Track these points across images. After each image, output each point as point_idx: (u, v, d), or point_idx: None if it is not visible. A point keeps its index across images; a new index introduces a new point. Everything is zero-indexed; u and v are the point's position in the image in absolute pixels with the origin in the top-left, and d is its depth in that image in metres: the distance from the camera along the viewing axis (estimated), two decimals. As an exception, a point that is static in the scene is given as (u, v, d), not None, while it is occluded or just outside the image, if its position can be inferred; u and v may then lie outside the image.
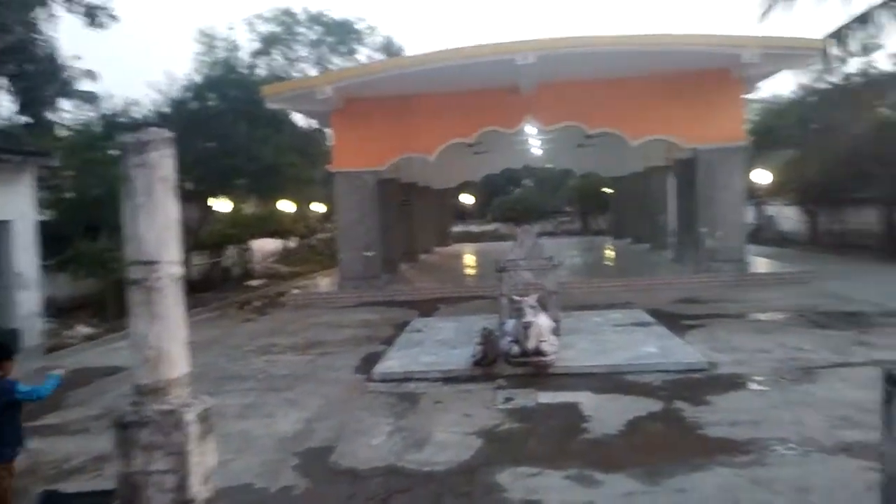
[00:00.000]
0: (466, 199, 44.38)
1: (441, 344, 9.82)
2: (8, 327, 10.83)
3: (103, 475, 5.60)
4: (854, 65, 21.54)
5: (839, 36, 18.14)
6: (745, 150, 16.09)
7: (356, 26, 29.09)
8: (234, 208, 23.08)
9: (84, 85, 24.24)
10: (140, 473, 3.94)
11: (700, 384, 7.36)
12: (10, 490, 4.63)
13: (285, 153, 19.29)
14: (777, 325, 10.55)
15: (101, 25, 13.56)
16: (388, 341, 10.57)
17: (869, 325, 10.01)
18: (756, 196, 26.52)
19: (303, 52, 29.18)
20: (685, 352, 8.63)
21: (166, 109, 18.29)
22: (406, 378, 8.25)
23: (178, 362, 3.95)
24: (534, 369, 8.10)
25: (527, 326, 8.03)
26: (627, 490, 4.85)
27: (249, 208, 25.11)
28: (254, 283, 22.41)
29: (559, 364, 8.22)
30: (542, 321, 8.34)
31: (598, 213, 42.59)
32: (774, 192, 26.26)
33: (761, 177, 23.09)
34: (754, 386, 7.31)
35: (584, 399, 7.05)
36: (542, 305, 8.89)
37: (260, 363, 9.99)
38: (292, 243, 31.87)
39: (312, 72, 28.22)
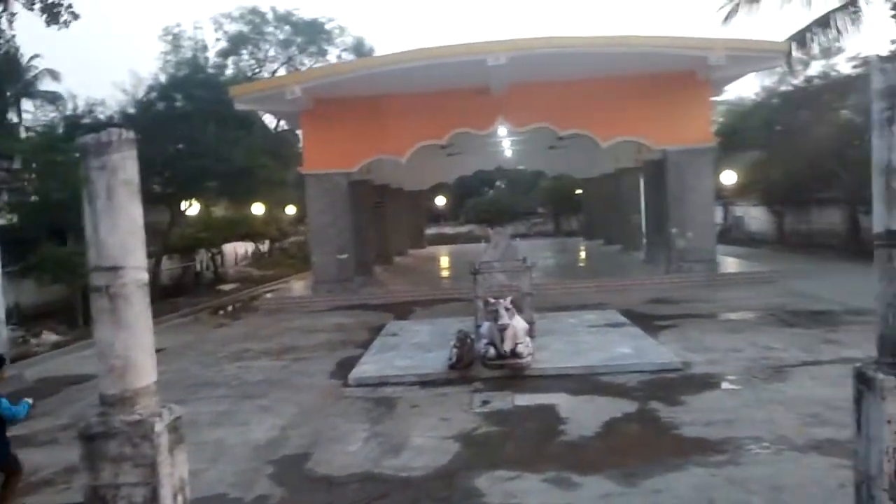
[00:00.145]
0: (440, 200, 44.38)
1: (417, 347, 9.76)
2: None
3: (72, 488, 5.43)
4: (815, 68, 22.09)
5: (801, 39, 18.57)
6: (713, 151, 16.34)
7: (326, 26, 28.92)
8: (205, 211, 22.74)
9: (47, 85, 23.73)
10: (108, 486, 3.81)
11: (674, 384, 7.42)
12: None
13: (257, 155, 19.05)
14: (748, 325, 10.71)
15: (61, 23, 13.16)
16: (364, 345, 10.47)
17: (836, 323, 10.22)
18: (724, 197, 26.99)
19: (272, 51, 28.95)
20: (659, 352, 8.71)
21: (132, 110, 17.91)
22: (382, 382, 8.18)
23: (145, 371, 3.82)
24: (510, 371, 8.09)
25: (502, 329, 8.02)
26: (605, 492, 4.85)
27: (221, 211, 24.74)
28: (226, 287, 22.10)
29: (535, 366, 8.22)
30: (518, 323, 8.34)
31: (571, 215, 42.91)
32: (741, 193, 26.76)
33: (728, 178, 23.51)
34: (727, 385, 7.40)
35: (561, 401, 7.06)
36: (517, 307, 8.90)
37: (233, 369, 9.81)
38: (265, 247, 31.51)
39: (282, 72, 28.00)
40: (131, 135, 3.80)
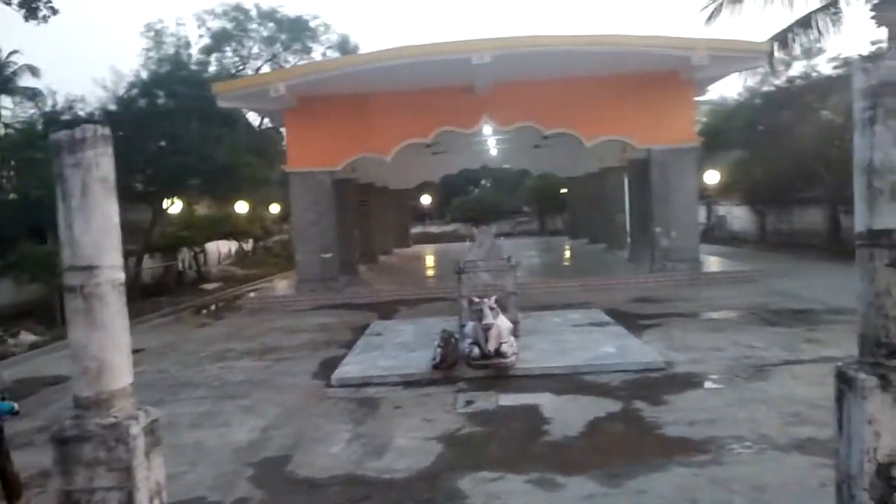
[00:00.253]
0: (426, 199, 44.32)
1: (401, 347, 9.71)
2: None
3: (48, 491, 5.31)
4: (797, 68, 22.32)
5: (783, 39, 18.74)
6: (696, 150, 16.44)
7: (310, 24, 28.71)
8: (187, 210, 22.49)
9: (27, 81, 23.29)
10: (82, 491, 3.72)
11: (658, 383, 7.44)
12: None
13: (240, 153, 18.86)
14: (730, 324, 10.77)
15: (40, 18, 12.94)
16: (347, 345, 10.39)
17: (817, 322, 10.31)
18: (707, 196, 27.20)
19: (255, 49, 28.71)
20: (643, 351, 8.72)
21: (113, 107, 17.64)
22: (365, 383, 8.11)
23: (121, 373, 3.74)
24: (494, 371, 8.06)
25: (486, 328, 7.99)
26: (588, 492, 4.84)
27: (204, 210, 24.50)
28: (209, 286, 21.89)
29: (519, 366, 8.20)
30: (502, 322, 8.32)
31: (556, 214, 43.04)
32: (724, 192, 26.98)
33: (711, 177, 23.69)
34: (710, 384, 7.42)
35: (545, 400, 7.04)
36: (502, 306, 8.88)
37: (215, 370, 9.70)
38: (249, 245, 31.27)
39: (265, 69, 27.77)
40: (107, 131, 3.71)
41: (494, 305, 8.31)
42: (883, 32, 16.55)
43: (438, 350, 8.30)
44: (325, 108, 16.06)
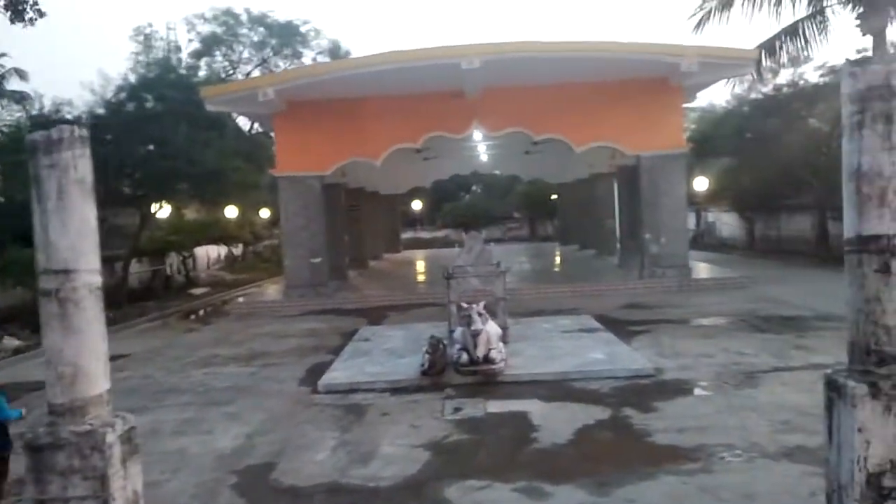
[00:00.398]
0: (416, 205, 44.27)
1: (389, 353, 9.62)
2: None
3: (24, 500, 5.18)
4: (785, 76, 22.49)
5: (770, 47, 18.88)
6: (685, 157, 16.47)
7: (301, 29, 28.64)
8: (176, 214, 22.31)
9: (14, 84, 23.05)
10: (56, 500, 3.63)
11: (647, 390, 7.39)
12: None
13: (229, 157, 18.72)
14: (719, 330, 10.76)
15: (26, 21, 12.78)
16: (335, 351, 10.29)
17: (806, 328, 10.31)
18: (696, 203, 27.30)
19: (245, 53, 28.61)
20: (632, 358, 8.68)
21: (101, 111, 17.49)
22: (352, 389, 8.02)
23: (97, 379, 3.65)
24: (483, 378, 7.99)
25: (475, 334, 7.91)
26: (577, 501, 4.77)
27: (193, 214, 24.31)
28: (197, 291, 21.71)
29: (508, 372, 8.13)
30: (491, 328, 8.25)
31: (546, 220, 43.12)
32: (713, 199, 27.10)
33: (700, 184, 23.79)
34: (699, 391, 7.38)
35: (533, 407, 6.98)
36: (491, 312, 8.82)
37: (200, 376, 9.57)
38: (238, 250, 31.07)
39: (256, 74, 27.66)
40: (84, 132, 3.63)
41: (483, 311, 8.24)
42: (868, 41, 16.68)
43: (427, 356, 8.22)
44: (315, 112, 15.97)
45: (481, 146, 23.06)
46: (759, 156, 21.11)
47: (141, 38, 26.27)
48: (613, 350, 9.10)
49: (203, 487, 5.41)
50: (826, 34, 18.23)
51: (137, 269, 21.30)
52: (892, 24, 16.32)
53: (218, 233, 25.11)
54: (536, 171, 29.86)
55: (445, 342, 8.63)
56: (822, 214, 21.06)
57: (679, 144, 16.03)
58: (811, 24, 18.31)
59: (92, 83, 17.96)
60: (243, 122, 26.67)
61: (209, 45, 27.88)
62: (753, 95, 23.78)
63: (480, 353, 7.98)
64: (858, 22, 16.98)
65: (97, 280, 3.69)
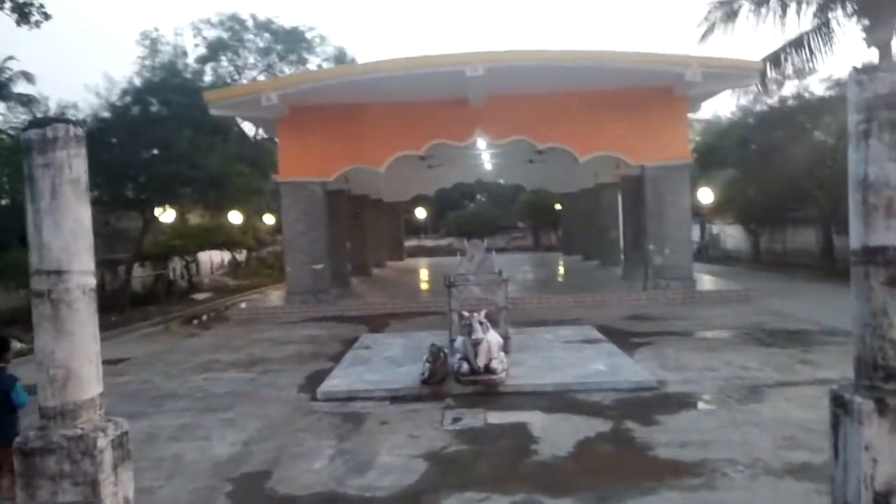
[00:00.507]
0: (420, 213, 44.28)
1: (389, 361, 9.54)
2: None
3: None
4: (790, 88, 22.45)
5: (775, 59, 18.87)
6: (689, 167, 16.40)
7: (306, 35, 28.75)
8: (179, 219, 22.33)
9: (21, 87, 23.17)
10: (46, 506, 3.57)
11: (649, 403, 7.29)
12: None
13: (233, 162, 18.76)
14: (723, 343, 10.66)
15: (32, 23, 12.84)
16: (335, 358, 10.22)
17: (811, 343, 10.20)
18: (701, 215, 27.21)
19: (251, 59, 28.72)
20: (634, 370, 8.59)
21: (106, 114, 17.54)
22: (351, 397, 7.94)
23: (89, 382, 3.60)
24: (483, 388, 7.91)
25: (476, 343, 7.83)
26: (576, 515, 4.68)
27: (196, 219, 24.33)
28: (200, 296, 21.69)
29: (509, 382, 8.04)
30: (492, 338, 8.17)
31: (550, 229, 43.07)
32: (718, 211, 27.00)
33: (705, 196, 23.71)
34: (703, 405, 7.28)
35: (534, 419, 6.88)
36: (492, 321, 8.74)
37: (199, 381, 9.50)
38: (242, 256, 31.08)
39: (261, 79, 27.73)
40: (80, 131, 3.59)
41: (484, 320, 8.16)
42: (874, 53, 16.65)
43: (427, 365, 8.13)
44: (318, 117, 15.96)
45: (485, 154, 23.05)
46: (764, 168, 21.04)
47: (147, 42, 26.46)
48: (616, 362, 9.01)
49: (197, 495, 5.33)
50: (831, 46, 18.23)
51: (140, 274, 21.32)
52: (898, 36, 16.30)
53: (221, 238, 25.12)
54: (540, 180, 29.82)
55: (446, 351, 8.55)
56: (828, 228, 20.95)
57: (684, 155, 15.96)
58: (816, 36, 18.31)
59: (97, 86, 18.06)
60: (249, 128, 26.74)
61: (215, 50, 28.01)
62: (759, 107, 23.74)
63: (481, 362, 7.90)
64: (864, 34, 16.97)
65: (91, 281, 3.64)
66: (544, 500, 4.93)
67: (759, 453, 5.61)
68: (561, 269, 25.28)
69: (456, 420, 6.97)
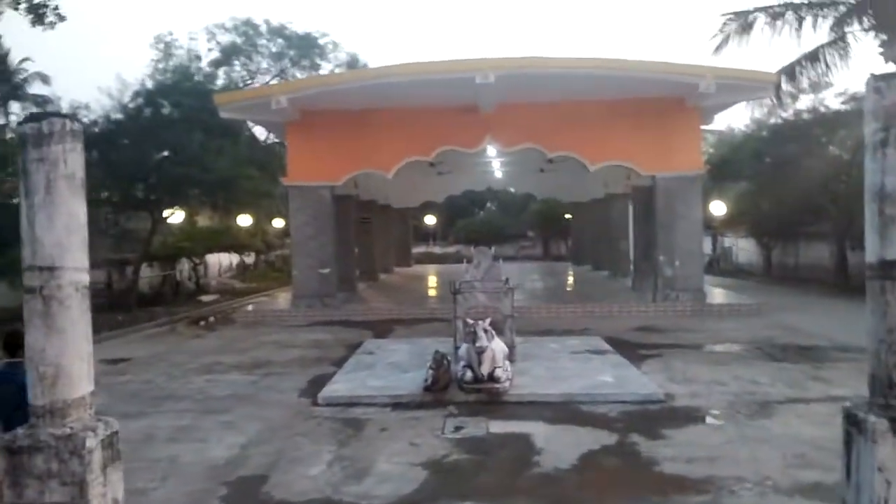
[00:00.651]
0: (430, 219, 44.24)
1: (393, 367, 9.44)
2: None
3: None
4: (805, 101, 22.25)
5: (790, 72, 18.71)
6: (702, 179, 16.23)
7: (319, 41, 28.83)
8: (188, 220, 22.38)
9: (37, 88, 23.40)
10: (32, 506, 3.49)
11: (656, 416, 7.14)
12: None
13: (242, 165, 18.78)
14: (733, 357, 10.47)
15: (46, 24, 12.97)
16: (339, 363, 10.14)
17: (824, 359, 10.00)
18: (713, 227, 26.97)
19: (264, 64, 28.82)
20: (641, 382, 8.43)
21: (118, 115, 17.63)
22: (352, 402, 7.84)
23: (79, 381, 3.52)
24: (486, 396, 7.79)
25: (480, 351, 7.72)
26: (577, 530, 4.55)
27: (205, 221, 24.38)
28: (207, 298, 21.69)
29: (513, 391, 7.92)
30: (497, 346, 8.05)
31: (560, 239, 42.90)
32: (730, 223, 26.74)
33: (718, 208, 23.48)
34: (711, 420, 7.12)
35: (537, 429, 6.75)
36: (498, 329, 8.62)
37: (201, 382, 9.45)
38: (250, 259, 31.11)
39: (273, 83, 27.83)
40: (77, 126, 3.52)
41: (489, 328, 8.05)
42: (891, 69, 16.45)
43: (430, 372, 8.03)
44: (328, 122, 15.93)
45: (495, 162, 22.96)
46: (778, 181, 20.81)
47: (161, 46, 26.63)
48: (623, 373, 8.86)
49: (192, 497, 5.25)
50: (847, 61, 18.07)
51: (148, 274, 21.35)
52: (915, 51, 16.12)
53: (230, 241, 25.16)
54: (551, 189, 29.70)
55: (450, 358, 8.44)
56: (842, 243, 20.66)
57: (696, 166, 15.80)
58: (832, 50, 18.16)
59: (110, 88, 18.16)
60: (259, 132, 26.82)
61: (228, 54, 28.16)
62: (773, 120, 23.54)
63: (485, 370, 7.79)
64: (881, 49, 16.78)
65: (84, 278, 3.57)
66: (545, 513, 4.81)
67: (769, 471, 5.45)
68: (570, 279, 25.11)
69: (458, 428, 6.86)
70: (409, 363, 9.54)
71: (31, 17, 13.24)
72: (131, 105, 17.91)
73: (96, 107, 17.79)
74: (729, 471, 5.48)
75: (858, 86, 19.53)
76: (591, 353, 10.26)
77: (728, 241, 30.84)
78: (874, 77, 3.43)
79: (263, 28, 28.48)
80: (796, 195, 20.29)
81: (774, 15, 18.16)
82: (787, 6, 18.15)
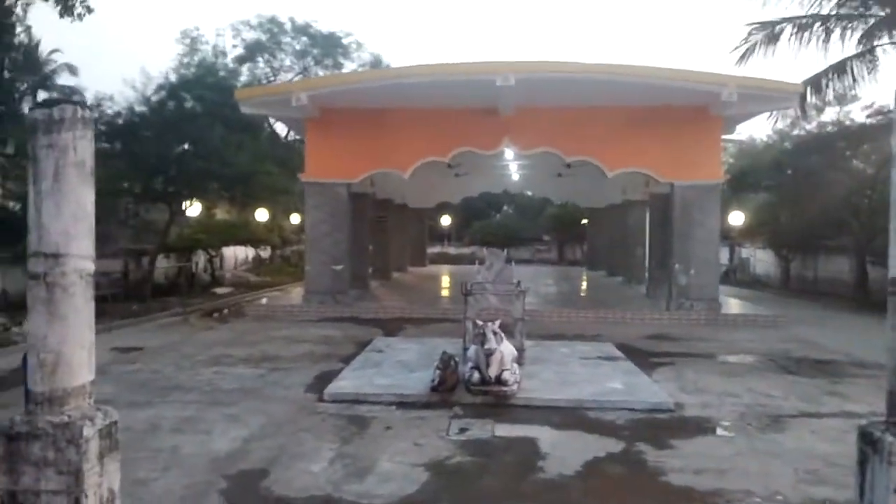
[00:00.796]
0: (446, 220, 44.21)
1: (400, 366, 9.39)
2: None
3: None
4: (830, 114, 21.90)
5: (816, 84, 18.40)
6: (721, 188, 16.01)
7: (343, 40, 28.96)
8: (206, 213, 22.53)
9: (65, 79, 23.64)
10: (28, 492, 3.48)
11: (665, 426, 7.02)
12: None
13: (262, 161, 18.87)
14: (746, 369, 10.30)
15: (75, 16, 13.12)
16: (347, 360, 10.11)
17: (840, 374, 9.79)
18: (731, 238, 26.64)
19: (287, 61, 29.02)
20: (651, 390, 8.30)
21: (141, 108, 17.79)
22: (358, 400, 7.80)
23: (80, 369, 3.50)
24: (494, 399, 7.70)
25: (489, 353, 7.64)
26: (579, 539, 4.46)
27: (223, 214, 24.54)
28: (221, 290, 21.82)
29: (520, 395, 7.83)
30: (506, 349, 7.97)
31: (576, 244, 42.66)
32: (749, 234, 26.40)
33: (736, 219, 23.19)
34: (721, 431, 6.97)
35: (543, 434, 6.66)
36: (508, 332, 8.54)
37: (209, 374, 9.45)
38: (266, 253, 31.26)
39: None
40: (88, 113, 3.50)
41: (499, 330, 7.96)
42: (922, 82, 16.09)
43: (437, 372, 7.97)
44: (347, 120, 15.95)
45: (512, 165, 22.87)
46: (800, 193, 20.52)
47: (187, 41, 26.88)
48: (633, 381, 8.73)
49: (192, 489, 5.22)
50: (875, 74, 17.75)
51: (164, 265, 21.51)
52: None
53: (247, 235, 25.29)
54: (568, 194, 29.52)
55: (458, 359, 8.38)
56: (862, 258, 20.30)
57: (715, 175, 15.59)
58: (860, 63, 17.85)
59: (134, 80, 18.33)
60: (281, 129, 26.97)
61: (252, 51, 28.38)
62: (796, 132, 23.21)
63: (493, 373, 7.71)
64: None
65: (89, 266, 3.55)
66: (546, 520, 4.72)
67: (779, 486, 5.32)
68: (584, 284, 24.93)
69: (463, 430, 6.78)
70: (418, 363, 9.48)
71: (59, 8, 13.37)
72: (154, 98, 18.07)
73: (120, 98, 17.98)
74: (738, 484, 5.35)
75: (886, 99, 19.19)
76: (601, 359, 10.14)
77: (745, 251, 30.46)
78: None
79: (288, 26, 28.68)
80: (817, 208, 19.99)
81: (802, 26, 17.87)
82: (815, 17, 17.86)
